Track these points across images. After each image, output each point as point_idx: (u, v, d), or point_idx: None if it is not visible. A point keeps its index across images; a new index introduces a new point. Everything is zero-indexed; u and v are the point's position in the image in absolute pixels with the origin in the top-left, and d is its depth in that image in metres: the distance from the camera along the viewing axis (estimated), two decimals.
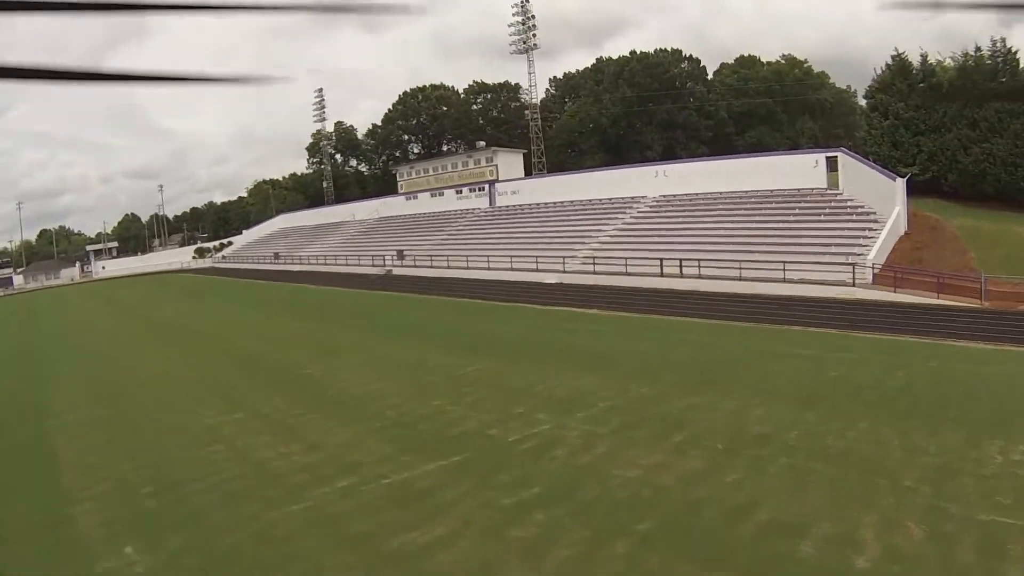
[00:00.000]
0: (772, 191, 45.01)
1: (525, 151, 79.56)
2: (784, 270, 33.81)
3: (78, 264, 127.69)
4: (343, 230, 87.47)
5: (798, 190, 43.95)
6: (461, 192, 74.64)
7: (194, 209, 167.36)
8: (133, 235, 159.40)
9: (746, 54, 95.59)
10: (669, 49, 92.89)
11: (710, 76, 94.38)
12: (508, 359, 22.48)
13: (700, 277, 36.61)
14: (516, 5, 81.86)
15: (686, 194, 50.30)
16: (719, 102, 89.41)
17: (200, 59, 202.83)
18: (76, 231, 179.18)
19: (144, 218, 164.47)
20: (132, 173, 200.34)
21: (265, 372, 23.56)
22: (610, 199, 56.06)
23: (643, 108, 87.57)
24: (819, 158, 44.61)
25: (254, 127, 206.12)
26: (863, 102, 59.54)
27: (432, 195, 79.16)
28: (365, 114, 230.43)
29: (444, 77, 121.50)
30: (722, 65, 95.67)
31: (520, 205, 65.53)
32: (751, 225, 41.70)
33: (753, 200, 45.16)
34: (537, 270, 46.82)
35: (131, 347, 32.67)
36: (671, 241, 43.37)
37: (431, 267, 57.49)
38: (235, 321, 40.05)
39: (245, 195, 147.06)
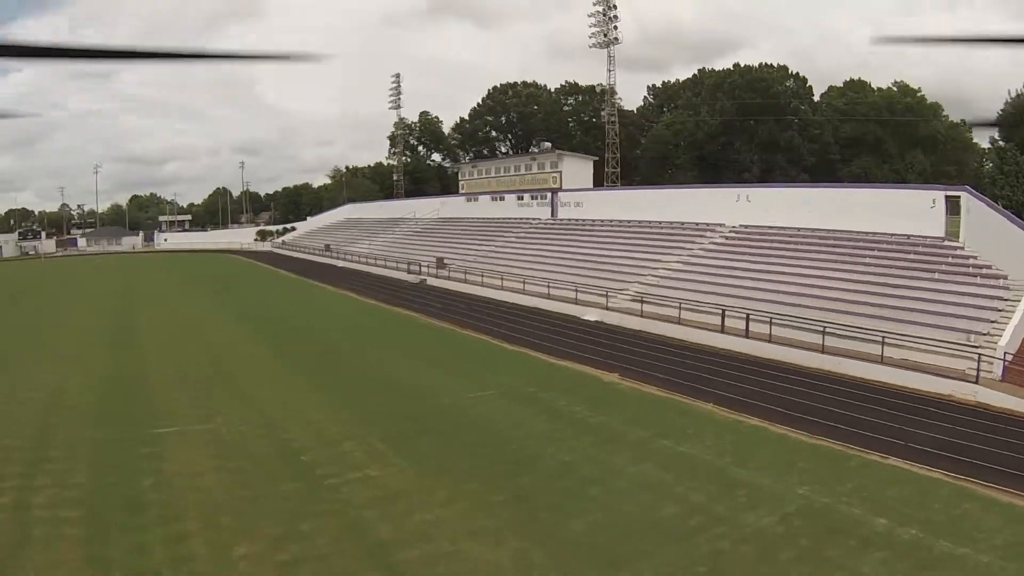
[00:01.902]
0: (874, 235, 36.36)
1: (596, 158, 71.94)
2: (883, 345, 25.37)
3: (141, 234, 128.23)
4: (399, 228, 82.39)
5: (907, 237, 35.24)
6: (522, 199, 67.87)
7: (285, 188, 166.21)
8: (221, 208, 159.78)
9: (856, 77, 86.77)
10: (775, 65, 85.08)
11: (816, 98, 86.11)
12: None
13: (770, 340, 28.46)
14: None
15: (769, 227, 41.95)
16: (825, 125, 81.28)
17: (311, 42, 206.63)
18: (170, 198, 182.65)
19: (236, 193, 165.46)
20: (239, 147, 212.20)
21: None
22: (681, 223, 48.11)
23: (743, 124, 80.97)
24: (937, 197, 35.67)
25: (360, 112, 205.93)
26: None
27: (493, 199, 72.80)
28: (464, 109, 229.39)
29: (550, 80, 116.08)
30: (830, 88, 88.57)
31: (581, 220, 58.14)
32: (843, 276, 33.23)
33: (849, 244, 36.59)
34: (576, 302, 39.20)
35: None
36: (742, 286, 35.29)
37: (465, 281, 51.03)
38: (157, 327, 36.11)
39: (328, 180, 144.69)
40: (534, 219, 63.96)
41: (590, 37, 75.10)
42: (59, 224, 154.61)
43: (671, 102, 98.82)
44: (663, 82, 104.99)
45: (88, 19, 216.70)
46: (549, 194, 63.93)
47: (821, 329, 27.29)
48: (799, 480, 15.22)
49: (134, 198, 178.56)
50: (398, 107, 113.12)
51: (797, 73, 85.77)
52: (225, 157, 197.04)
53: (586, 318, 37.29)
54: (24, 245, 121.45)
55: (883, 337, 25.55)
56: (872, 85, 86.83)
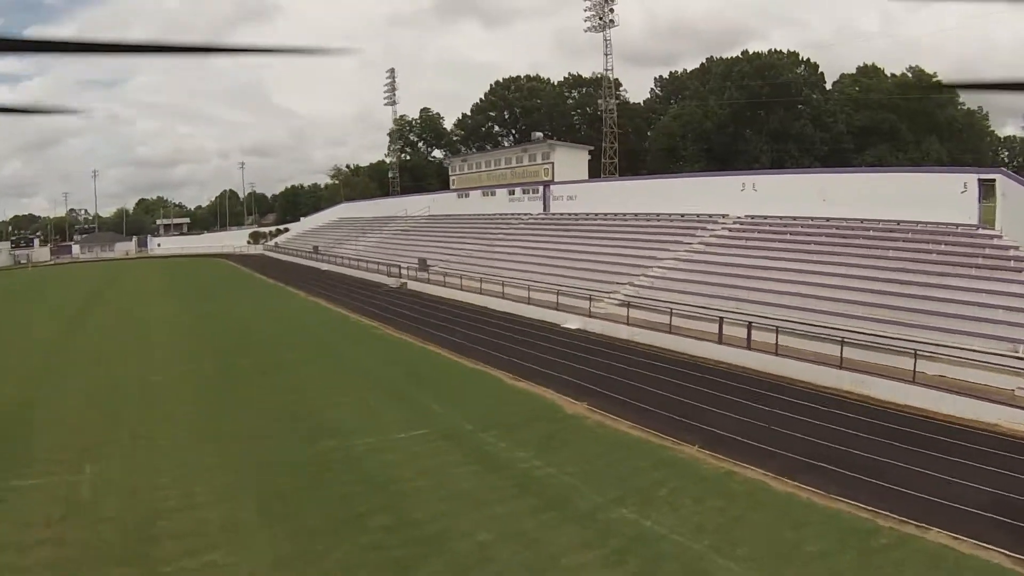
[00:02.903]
0: (897, 224, 31.56)
1: (592, 148, 66.90)
2: (915, 358, 20.56)
3: (134, 239, 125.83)
4: (389, 227, 78.10)
5: (935, 225, 30.38)
6: (514, 193, 63.30)
7: (284, 189, 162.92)
8: (221, 211, 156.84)
9: (869, 63, 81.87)
10: (785, 52, 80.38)
11: (828, 86, 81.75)
12: None
13: (776, 352, 23.61)
14: None
15: (778, 217, 37.12)
16: (837, 113, 77.15)
17: (321, 43, 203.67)
18: (177, 202, 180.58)
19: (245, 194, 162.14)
20: (250, 149, 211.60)
21: None
22: (681, 216, 43.36)
23: (752, 114, 77.05)
24: (969, 181, 30.92)
25: (372, 113, 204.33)
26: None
27: (484, 194, 68.38)
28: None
29: (558, 75, 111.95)
30: (842, 75, 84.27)
31: (574, 214, 53.45)
32: (863, 274, 28.42)
33: (869, 235, 31.78)
34: (557, 307, 34.51)
35: None
36: (745, 286, 30.65)
37: (444, 284, 46.58)
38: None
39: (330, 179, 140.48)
40: (525, 215, 59.31)
41: (585, 20, 70.26)
42: (63, 230, 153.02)
43: (679, 93, 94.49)
44: (670, 73, 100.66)
45: (98, 27, 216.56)
46: (541, 188, 59.23)
47: (839, 340, 22.48)
48: None
49: (141, 201, 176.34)
50: (394, 103, 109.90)
51: (808, 60, 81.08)
52: (235, 159, 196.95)
53: (567, 326, 32.66)
54: (17, 254, 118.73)
55: (915, 351, 20.72)
56: (886, 71, 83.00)
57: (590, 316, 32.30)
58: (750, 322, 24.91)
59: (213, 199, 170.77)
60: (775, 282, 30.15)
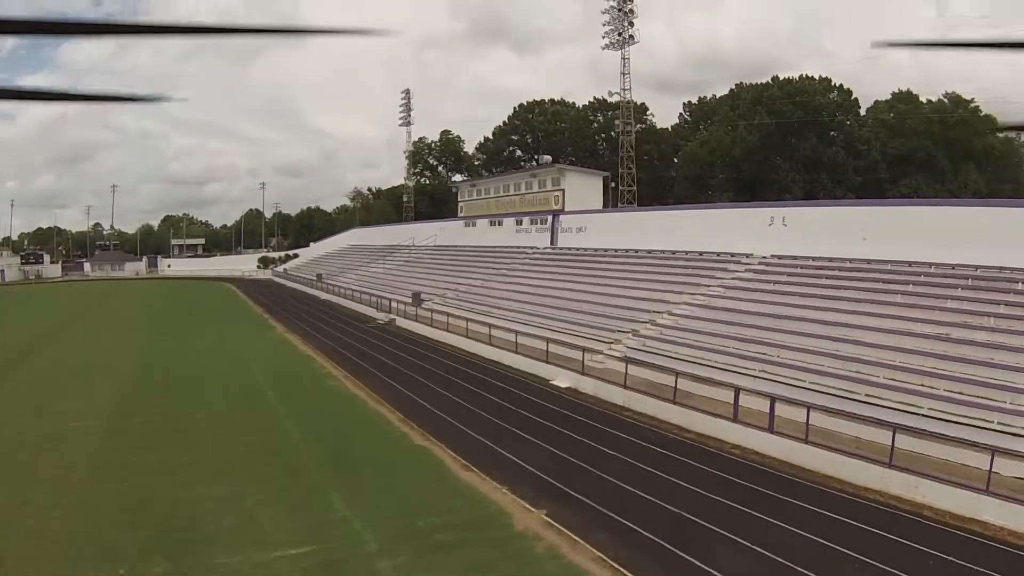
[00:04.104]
0: (955, 268, 26.13)
1: (606, 174, 61.72)
2: (991, 456, 15.17)
3: (145, 259, 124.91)
4: (394, 256, 73.74)
5: (998, 270, 25.04)
6: (521, 223, 58.44)
7: (299, 212, 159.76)
8: (250, 230, 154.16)
9: (903, 88, 76.98)
10: (816, 77, 75.88)
11: (862, 112, 77.41)
12: None
13: (807, 439, 18.10)
14: None
15: (810, 258, 31.72)
16: (872, 140, 72.37)
17: (356, 65, 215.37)
18: (204, 220, 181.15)
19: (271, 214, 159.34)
20: (282, 169, 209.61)
21: None
22: (699, 253, 38.03)
23: (783, 141, 72.03)
24: None
25: (402, 135, 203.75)
26: None
27: (492, 223, 63.47)
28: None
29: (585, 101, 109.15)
30: (875, 102, 79.26)
31: (582, 249, 48.26)
32: (916, 329, 22.95)
33: (923, 281, 26.35)
34: (547, 361, 29.23)
35: None
36: (771, 342, 25.32)
37: (431, 324, 41.60)
38: None
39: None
40: (530, 248, 54.13)
41: (604, 37, 65.36)
42: (84, 244, 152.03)
43: (708, 119, 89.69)
44: (699, 98, 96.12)
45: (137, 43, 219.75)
46: (549, 218, 54.17)
47: (889, 424, 17.07)
48: None
49: (166, 218, 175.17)
50: (408, 124, 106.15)
51: (840, 85, 76.05)
52: (266, 178, 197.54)
53: (556, 383, 27.47)
54: (26, 269, 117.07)
55: (992, 449, 15.30)
56: (921, 98, 77.44)
57: (583, 373, 26.93)
58: (773, 397, 19.40)
59: (239, 218, 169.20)
60: (806, 337, 24.71)
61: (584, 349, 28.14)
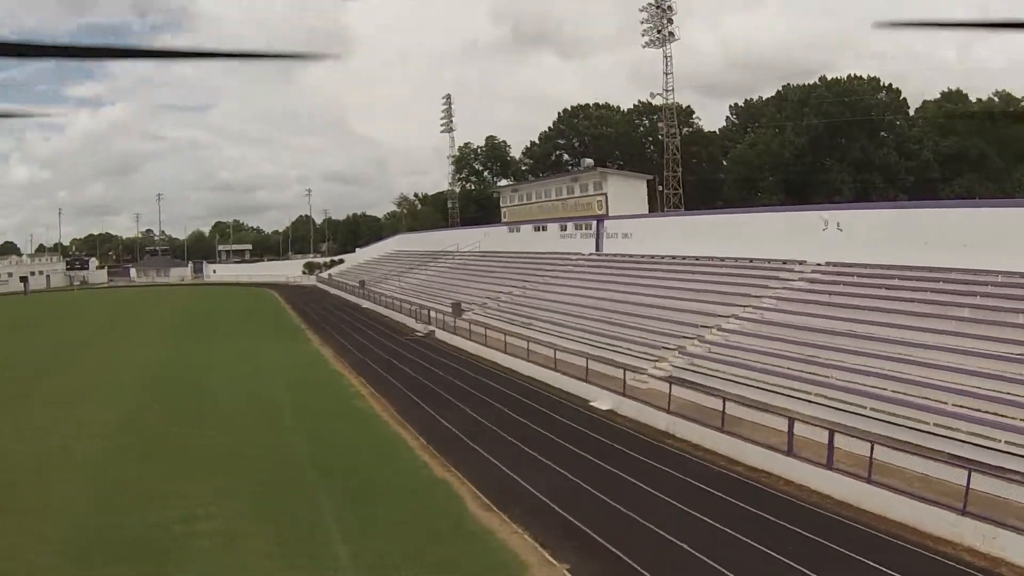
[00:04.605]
0: (1023, 276, 24.03)
1: (650, 177, 59.77)
2: None
3: (190, 265, 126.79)
4: (438, 263, 72.99)
5: None
6: (565, 229, 57.04)
7: (346, 218, 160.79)
8: (300, 236, 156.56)
9: (952, 87, 75.05)
10: (865, 76, 74.03)
11: (911, 112, 75.95)
12: None
13: (870, 479, 16.26)
14: None
15: (868, 266, 29.67)
16: (924, 140, 71.02)
17: (403, 73, 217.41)
18: (255, 226, 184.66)
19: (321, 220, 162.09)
20: (331, 176, 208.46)
21: None
22: (750, 260, 36.09)
23: (832, 142, 70.48)
24: None
25: (447, 140, 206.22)
26: None
27: (536, 228, 62.22)
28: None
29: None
30: (925, 102, 77.61)
31: (629, 255, 46.54)
32: (988, 348, 20.91)
33: (990, 291, 24.27)
34: (587, 380, 27.68)
35: None
36: (828, 362, 23.50)
37: (470, 338, 40.31)
38: None
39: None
40: (575, 255, 52.65)
41: (643, 35, 63.65)
42: (134, 250, 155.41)
43: (754, 121, 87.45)
44: (746, 100, 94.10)
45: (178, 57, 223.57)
46: (594, 223, 52.64)
47: (965, 464, 15.24)
48: None
49: (216, 224, 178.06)
50: (450, 130, 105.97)
51: (890, 84, 73.96)
52: (316, 186, 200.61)
53: (596, 405, 26.04)
54: (71, 275, 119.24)
55: None
56: (971, 97, 75.83)
57: (624, 395, 25.35)
58: (831, 429, 17.60)
59: (289, 224, 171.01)
60: (866, 357, 22.80)
61: (626, 368, 26.57)
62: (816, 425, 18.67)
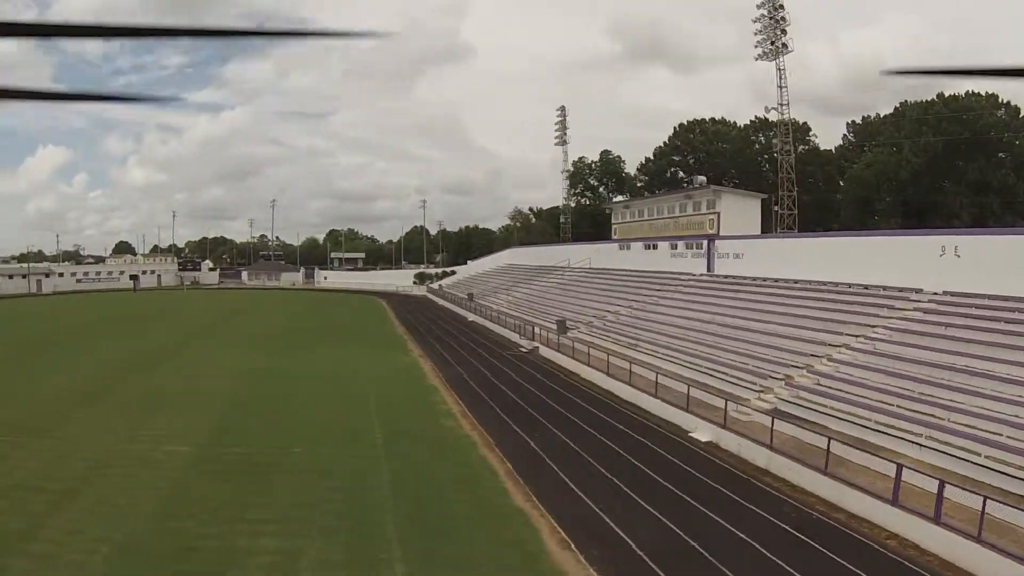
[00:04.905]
0: None
1: (765, 196, 58.48)
2: None
3: (302, 271, 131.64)
4: (547, 278, 74.20)
5: None
6: (676, 247, 56.84)
7: (458, 230, 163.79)
8: (414, 247, 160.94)
9: None
10: (983, 93, 70.40)
11: None
12: None
13: (979, 536, 15.46)
14: None
15: (988, 296, 28.29)
16: None
17: (520, 88, 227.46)
18: (369, 235, 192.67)
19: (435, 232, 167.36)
20: (449, 187, 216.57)
21: None
22: (864, 287, 35.01)
23: (949, 162, 67.56)
24: None
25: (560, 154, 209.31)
26: None
27: (646, 247, 62.27)
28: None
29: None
30: None
31: (739, 277, 46.10)
32: None
33: None
34: (687, 409, 27.20)
35: None
36: (945, 402, 22.66)
37: (572, 356, 40.77)
38: None
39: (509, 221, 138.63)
40: (685, 275, 52.55)
41: (756, 47, 62.80)
42: (248, 253, 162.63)
43: (872, 139, 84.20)
44: (863, 117, 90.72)
45: (295, 65, 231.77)
46: (705, 242, 52.27)
47: None
48: None
49: (331, 232, 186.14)
50: (564, 143, 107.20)
51: (1008, 102, 69.71)
52: (434, 197, 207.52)
53: (695, 436, 25.91)
54: (183, 275, 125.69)
55: None
56: None
57: (724, 427, 24.88)
58: (942, 480, 16.67)
59: (403, 234, 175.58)
60: (983, 398, 21.67)
61: (728, 397, 26.11)
62: (923, 473, 17.76)
